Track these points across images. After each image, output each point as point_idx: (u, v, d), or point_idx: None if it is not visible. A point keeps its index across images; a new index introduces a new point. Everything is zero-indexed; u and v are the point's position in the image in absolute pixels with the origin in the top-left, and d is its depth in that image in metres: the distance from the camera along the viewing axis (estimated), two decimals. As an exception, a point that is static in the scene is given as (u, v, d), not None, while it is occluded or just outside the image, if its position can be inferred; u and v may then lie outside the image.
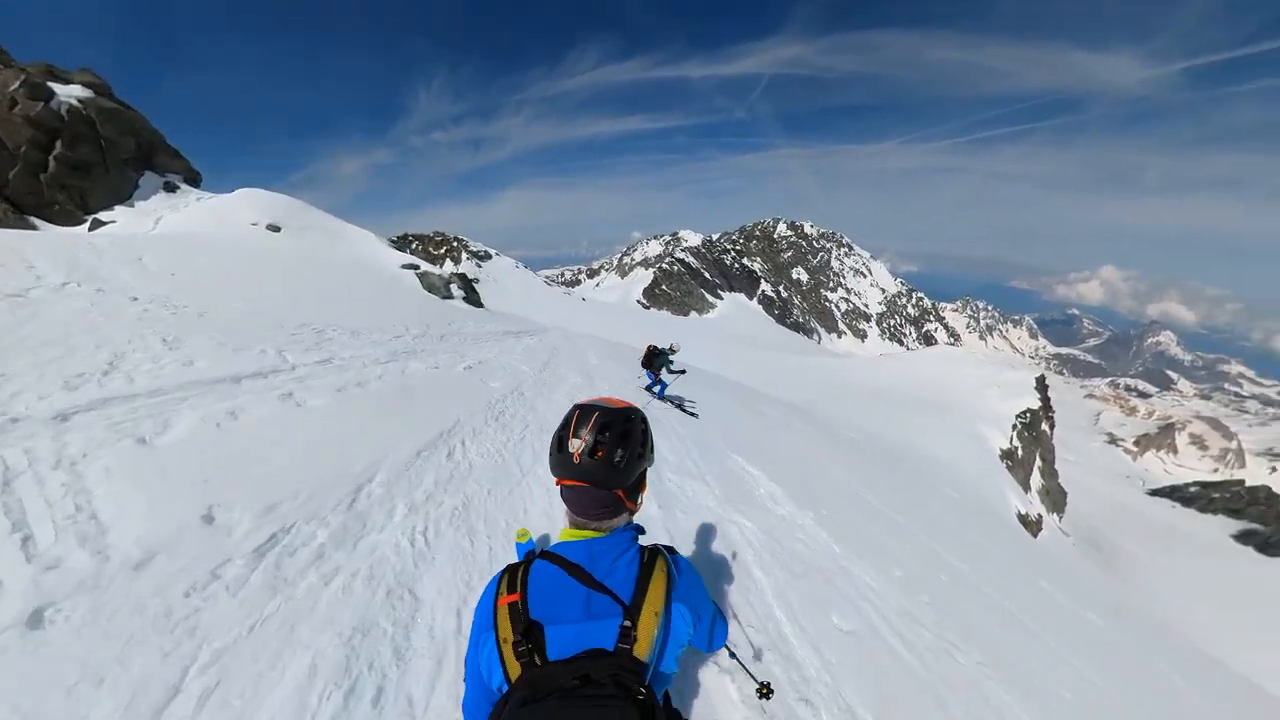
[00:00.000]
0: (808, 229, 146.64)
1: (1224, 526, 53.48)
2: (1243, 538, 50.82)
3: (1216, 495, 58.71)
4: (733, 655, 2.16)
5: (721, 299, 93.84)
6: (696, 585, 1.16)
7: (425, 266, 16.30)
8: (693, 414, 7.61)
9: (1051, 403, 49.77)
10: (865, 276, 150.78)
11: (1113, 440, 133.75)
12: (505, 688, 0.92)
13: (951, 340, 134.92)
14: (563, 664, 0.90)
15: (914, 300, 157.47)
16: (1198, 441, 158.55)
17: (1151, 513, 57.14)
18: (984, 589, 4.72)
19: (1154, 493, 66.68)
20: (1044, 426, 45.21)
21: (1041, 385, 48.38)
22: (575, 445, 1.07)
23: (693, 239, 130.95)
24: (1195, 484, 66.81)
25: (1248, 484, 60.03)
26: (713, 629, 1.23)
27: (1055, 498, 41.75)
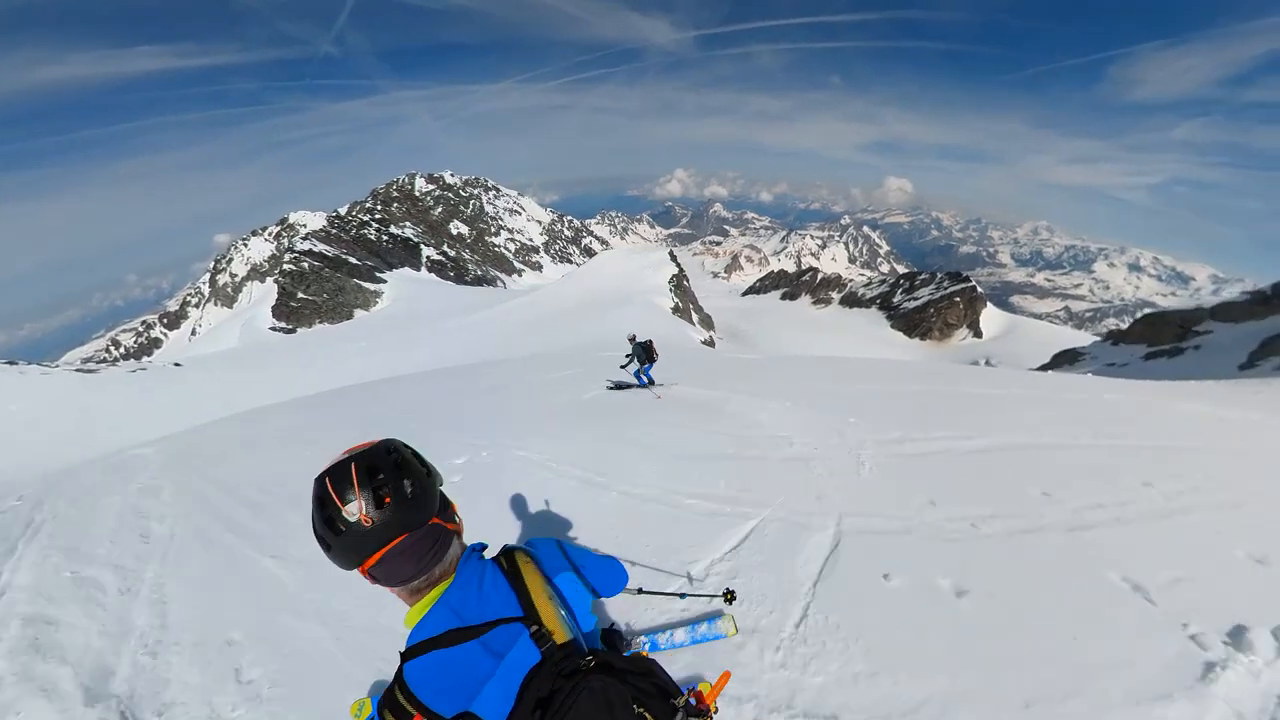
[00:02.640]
0: (449, 179, 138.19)
1: (776, 298, 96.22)
2: (789, 296, 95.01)
3: (769, 283, 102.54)
4: (682, 596, 2.60)
5: (385, 282, 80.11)
6: (556, 552, 1.14)
7: None
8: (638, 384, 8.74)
9: (682, 265, 68.55)
10: (520, 214, 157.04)
11: (715, 275, 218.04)
12: None
13: (605, 246, 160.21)
14: (516, 710, 0.84)
15: (566, 224, 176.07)
16: (749, 259, 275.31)
17: (746, 306, 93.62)
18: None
19: (744, 294, 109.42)
20: (685, 282, 61.55)
21: (673, 257, 64.99)
22: (355, 509, 0.88)
23: (313, 221, 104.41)
24: (756, 282, 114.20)
25: (773, 271, 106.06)
26: (601, 572, 1.21)
27: (708, 322, 58.97)
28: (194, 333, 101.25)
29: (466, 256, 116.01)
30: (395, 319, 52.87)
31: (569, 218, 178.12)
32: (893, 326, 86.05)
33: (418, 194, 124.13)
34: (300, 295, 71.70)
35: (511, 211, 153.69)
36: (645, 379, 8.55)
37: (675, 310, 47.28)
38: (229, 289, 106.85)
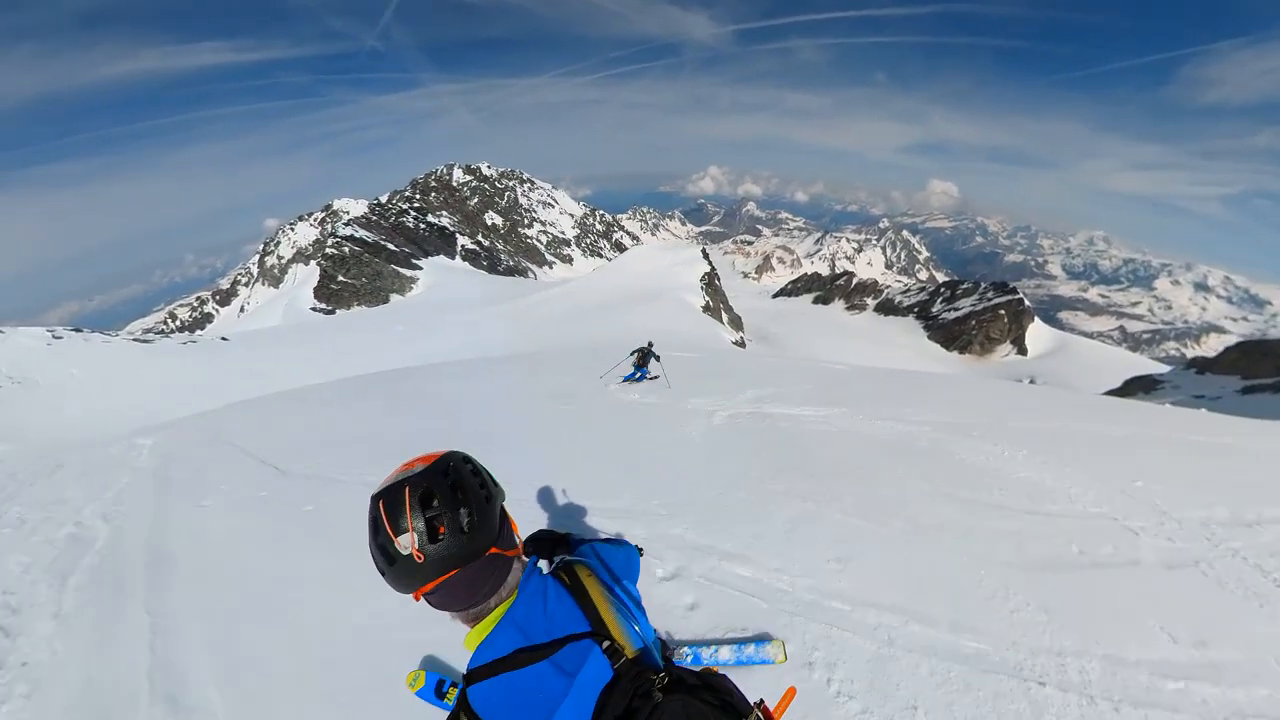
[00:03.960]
0: (485, 170, 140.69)
1: (808, 301, 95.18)
2: (822, 300, 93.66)
3: (801, 286, 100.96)
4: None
5: (421, 269, 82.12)
6: (614, 555, 1.12)
7: None
8: (655, 376, 9.23)
9: (713, 264, 67.63)
10: (553, 206, 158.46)
11: (745, 275, 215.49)
12: None
13: (636, 241, 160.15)
14: None
15: (598, 218, 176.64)
16: (780, 261, 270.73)
17: (777, 308, 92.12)
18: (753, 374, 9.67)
19: (775, 296, 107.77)
20: (716, 281, 60.59)
21: (705, 254, 63.99)
22: (407, 542, 0.85)
23: (355, 208, 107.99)
24: (788, 284, 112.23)
25: (806, 274, 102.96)
26: (631, 565, 1.19)
27: (737, 323, 57.84)
28: (243, 310, 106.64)
29: (500, 247, 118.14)
30: (430, 305, 54.26)
31: (601, 212, 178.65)
32: (930, 338, 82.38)
33: (455, 184, 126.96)
34: (340, 278, 74.42)
35: (545, 204, 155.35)
36: (642, 375, 9.50)
37: (706, 309, 46.53)
38: (276, 270, 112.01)
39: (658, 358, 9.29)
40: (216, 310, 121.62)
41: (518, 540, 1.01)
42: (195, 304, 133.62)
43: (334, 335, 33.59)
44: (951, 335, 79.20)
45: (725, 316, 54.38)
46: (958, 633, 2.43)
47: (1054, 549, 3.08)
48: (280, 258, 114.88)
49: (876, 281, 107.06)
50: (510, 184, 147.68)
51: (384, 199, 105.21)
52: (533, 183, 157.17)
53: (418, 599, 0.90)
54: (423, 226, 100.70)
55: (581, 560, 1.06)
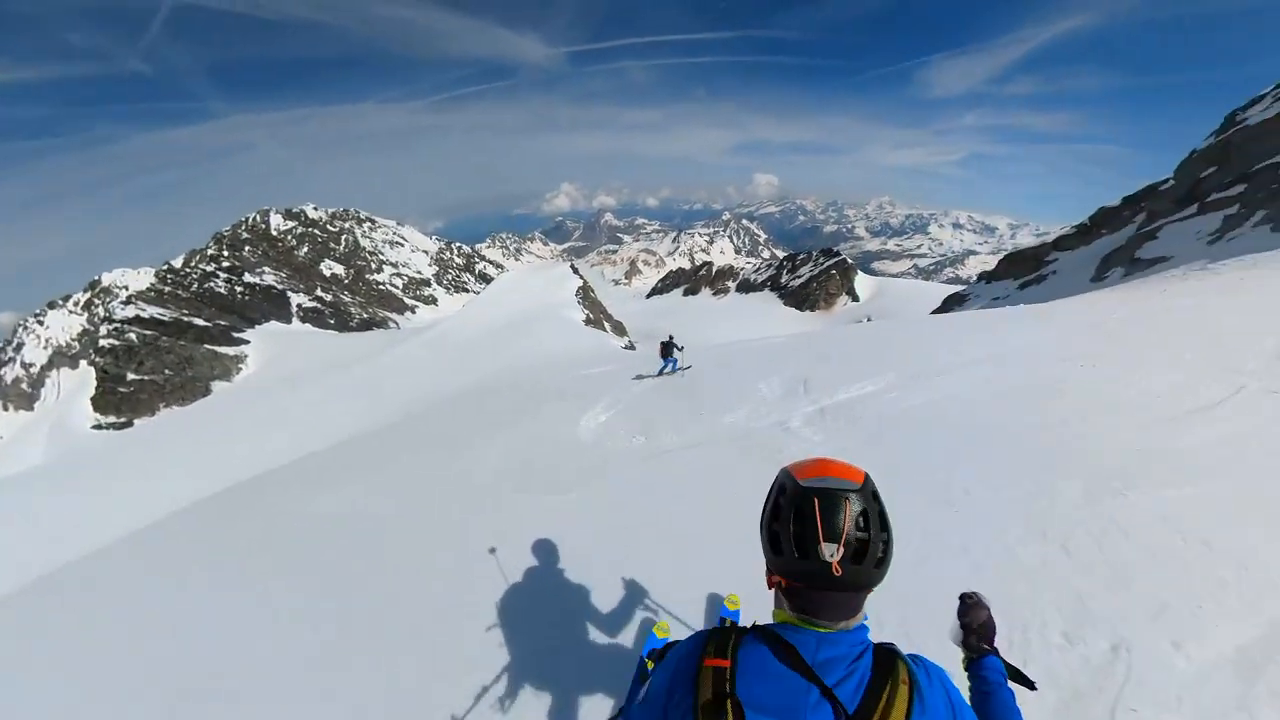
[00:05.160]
0: (312, 213, 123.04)
1: (679, 295, 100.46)
2: (691, 291, 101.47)
3: (670, 282, 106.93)
4: None
5: (248, 342, 68.87)
6: (960, 709, 0.91)
7: None
8: (688, 366, 10.06)
9: (584, 277, 68.44)
10: (403, 245, 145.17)
11: (616, 283, 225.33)
12: None
13: (500, 269, 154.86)
14: None
15: (456, 251, 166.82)
16: (646, 263, 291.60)
17: (653, 306, 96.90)
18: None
19: (648, 296, 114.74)
20: (591, 293, 61.51)
21: (574, 270, 64.68)
22: (832, 552, 0.85)
23: (137, 280, 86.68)
24: (658, 283, 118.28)
25: (672, 270, 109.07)
26: None
27: (620, 328, 59.41)
28: (-17, 445, 78.72)
29: (347, 299, 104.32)
30: (270, 385, 45.09)
31: (458, 244, 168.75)
32: (785, 304, 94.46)
33: (275, 233, 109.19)
34: (131, 376, 58.70)
35: (392, 244, 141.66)
36: (673, 365, 10.49)
37: (588, 322, 46.91)
38: (23, 384, 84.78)
39: (680, 348, 10.17)
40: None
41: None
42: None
43: (134, 457, 26.08)
44: (800, 298, 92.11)
45: (608, 325, 55.47)
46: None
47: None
48: (28, 366, 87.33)
49: (732, 266, 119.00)
50: (346, 225, 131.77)
51: (178, 263, 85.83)
52: (373, 222, 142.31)
53: (785, 585, 0.93)
54: (240, 290, 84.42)
55: (913, 666, 0.91)
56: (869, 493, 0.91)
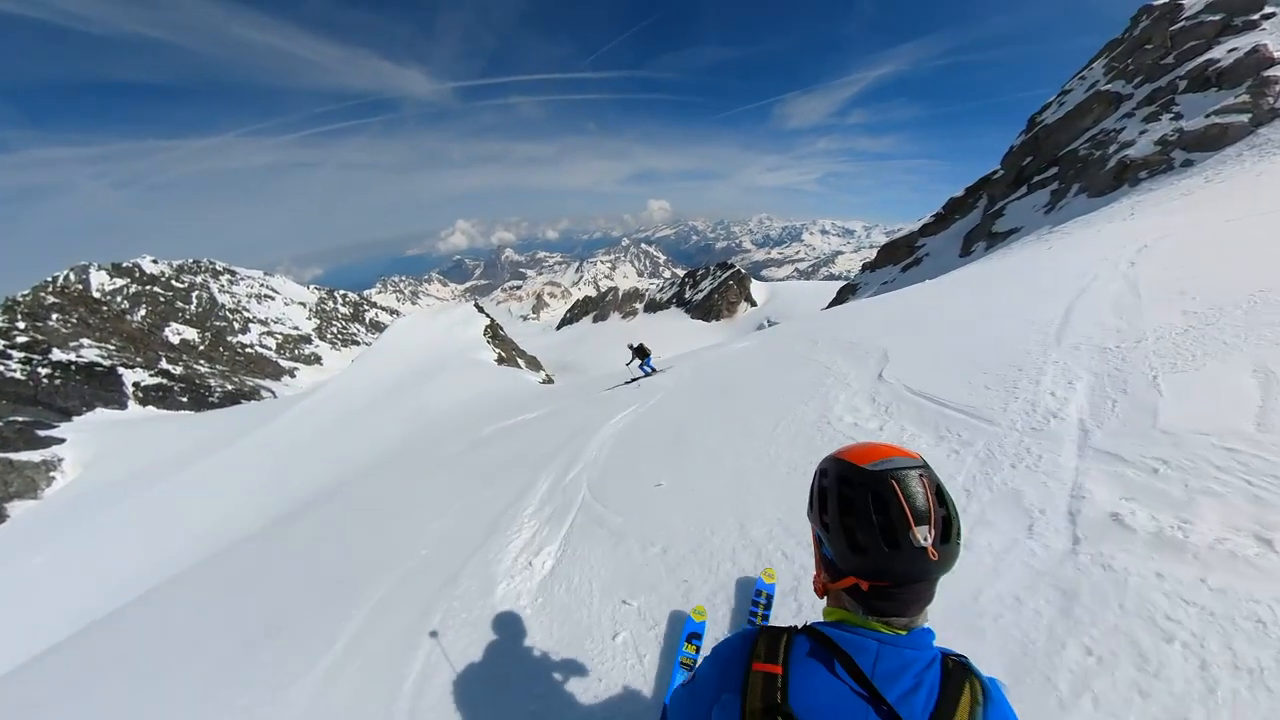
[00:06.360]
0: (149, 267, 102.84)
1: (589, 323, 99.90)
2: (600, 318, 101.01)
3: (578, 311, 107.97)
4: None
5: (62, 440, 54.57)
6: None
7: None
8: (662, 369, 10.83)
9: (490, 315, 65.72)
10: (273, 299, 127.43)
11: (524, 318, 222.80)
12: None
13: (395, 315, 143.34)
14: None
15: (341, 299, 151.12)
16: (552, 295, 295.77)
17: (564, 337, 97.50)
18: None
19: (558, 328, 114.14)
20: (500, 331, 59.01)
21: (479, 308, 61.75)
22: (925, 535, 0.80)
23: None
24: (566, 313, 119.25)
25: (578, 299, 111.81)
26: None
27: (535, 363, 57.70)
28: None
29: (204, 369, 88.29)
30: (99, 494, 34.81)
31: (342, 292, 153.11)
32: (692, 318, 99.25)
33: (98, 295, 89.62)
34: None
35: (260, 297, 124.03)
36: (649, 369, 11.35)
37: (501, 360, 44.76)
38: None
39: (649, 352, 11.59)
40: None
41: None
42: None
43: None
44: (705, 310, 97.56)
45: (522, 361, 53.47)
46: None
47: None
48: None
49: (637, 289, 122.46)
50: (198, 280, 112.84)
51: (-58, 358, 65.87)
52: (233, 274, 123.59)
53: (865, 588, 0.83)
54: (45, 371, 66.99)
55: (983, 679, 0.82)
56: (933, 471, 0.87)
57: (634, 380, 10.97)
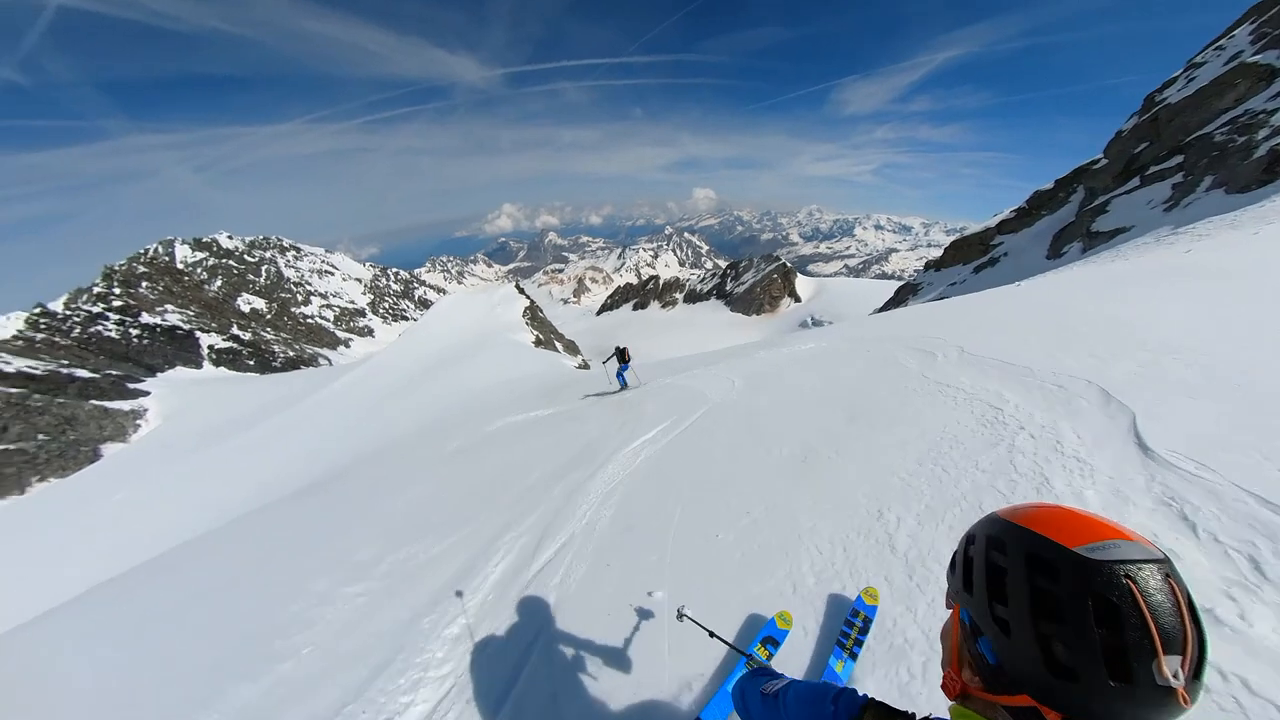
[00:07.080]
0: (226, 242, 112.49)
1: (629, 310, 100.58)
2: (640, 305, 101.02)
3: (619, 298, 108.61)
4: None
5: (147, 394, 60.49)
6: None
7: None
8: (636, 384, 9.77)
9: (531, 297, 66.79)
10: (333, 274, 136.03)
11: (565, 301, 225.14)
12: None
13: (441, 294, 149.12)
14: None
15: (393, 277, 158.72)
16: (593, 280, 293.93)
17: (604, 323, 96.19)
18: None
19: (598, 313, 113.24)
20: (539, 313, 59.88)
21: (520, 290, 62.83)
22: (1176, 669, 0.55)
23: (2, 328, 75.02)
24: (607, 299, 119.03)
25: (620, 286, 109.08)
26: None
27: (573, 347, 58.23)
28: None
29: (269, 336, 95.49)
30: (177, 442, 39.10)
31: (395, 270, 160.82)
32: (732, 310, 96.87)
33: (181, 266, 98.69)
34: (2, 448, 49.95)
35: (321, 273, 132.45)
36: (623, 380, 10.12)
37: (539, 343, 45.40)
38: None
39: (629, 359, 10.59)
40: None
41: None
42: None
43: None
44: (747, 304, 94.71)
45: (559, 345, 54.09)
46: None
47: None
48: None
49: (678, 278, 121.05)
50: (267, 255, 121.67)
51: (57, 305, 74.62)
52: (299, 250, 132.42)
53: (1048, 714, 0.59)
54: (136, 333, 74.66)
55: None
56: (1171, 562, 0.61)
57: (615, 391, 9.99)
